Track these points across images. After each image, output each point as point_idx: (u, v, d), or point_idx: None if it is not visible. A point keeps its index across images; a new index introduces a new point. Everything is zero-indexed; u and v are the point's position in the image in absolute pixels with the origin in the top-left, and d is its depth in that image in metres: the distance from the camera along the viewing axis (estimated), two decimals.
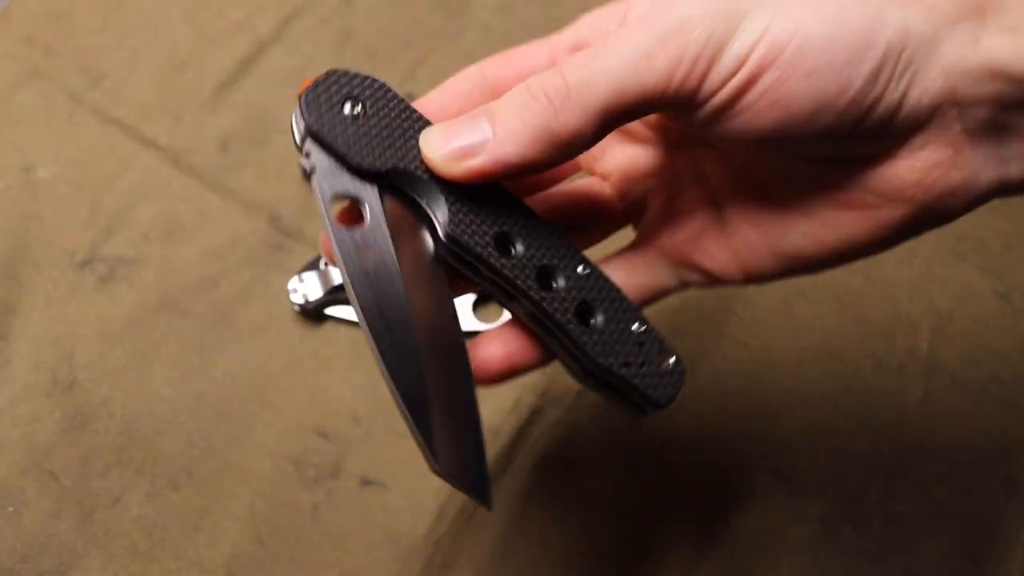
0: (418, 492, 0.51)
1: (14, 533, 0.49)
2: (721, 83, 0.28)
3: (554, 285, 0.33)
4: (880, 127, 0.28)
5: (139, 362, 0.54)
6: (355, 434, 0.52)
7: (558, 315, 0.32)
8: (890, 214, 0.30)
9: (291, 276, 0.55)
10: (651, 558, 0.50)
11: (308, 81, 0.61)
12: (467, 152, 0.29)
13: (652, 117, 0.35)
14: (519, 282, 0.32)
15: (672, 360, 0.34)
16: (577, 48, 0.32)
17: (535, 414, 0.53)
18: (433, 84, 0.63)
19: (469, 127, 0.30)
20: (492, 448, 0.52)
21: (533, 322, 0.34)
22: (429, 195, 0.31)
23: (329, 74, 0.31)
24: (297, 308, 0.55)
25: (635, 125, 0.36)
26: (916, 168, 0.29)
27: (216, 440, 0.52)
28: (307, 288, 0.55)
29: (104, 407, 0.52)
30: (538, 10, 0.66)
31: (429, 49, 0.64)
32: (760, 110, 0.28)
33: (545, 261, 0.32)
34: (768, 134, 0.29)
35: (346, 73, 0.31)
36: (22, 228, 0.57)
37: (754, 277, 0.34)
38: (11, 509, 0.50)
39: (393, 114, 0.31)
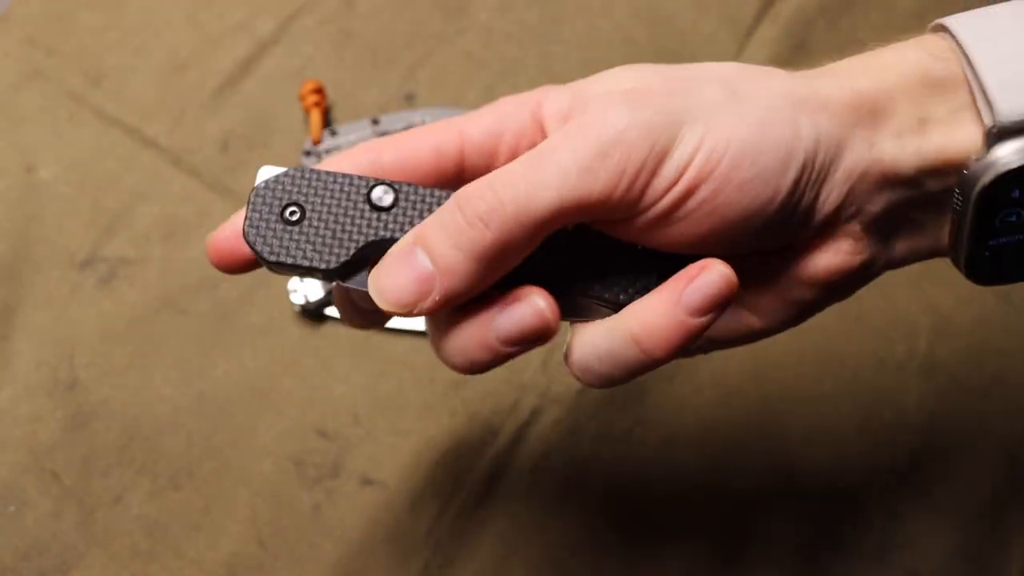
0: (418, 492, 0.51)
1: (15, 532, 0.49)
2: (662, 192, 0.29)
3: None
4: (798, 227, 0.31)
5: (140, 362, 0.54)
6: (355, 434, 0.52)
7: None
8: (801, 295, 0.33)
9: (291, 276, 0.55)
10: (651, 557, 0.50)
11: (308, 82, 0.62)
12: (419, 296, 0.29)
13: None
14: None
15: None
16: (489, 143, 0.32)
17: (535, 414, 0.53)
18: (433, 84, 0.63)
19: (409, 265, 0.29)
20: (492, 448, 0.52)
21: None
22: None
23: (256, 191, 0.31)
24: (298, 308, 0.55)
25: None
26: (824, 257, 0.32)
27: (217, 440, 0.52)
28: (308, 288, 0.55)
29: (105, 407, 0.53)
30: (538, 10, 0.66)
31: (429, 49, 0.64)
32: (697, 219, 0.29)
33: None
34: (702, 239, 0.30)
35: (272, 181, 0.31)
36: (23, 228, 0.57)
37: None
38: (12, 508, 0.50)
39: (332, 194, 0.31)
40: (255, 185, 0.30)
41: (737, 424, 0.53)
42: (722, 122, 0.29)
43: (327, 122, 0.61)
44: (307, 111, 0.61)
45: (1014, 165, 0.30)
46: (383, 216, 0.31)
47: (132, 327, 0.55)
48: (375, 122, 0.60)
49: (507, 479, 0.52)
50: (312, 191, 0.31)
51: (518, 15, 0.66)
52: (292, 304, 0.55)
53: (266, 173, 0.31)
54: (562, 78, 0.64)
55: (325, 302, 0.55)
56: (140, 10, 0.65)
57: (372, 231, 0.31)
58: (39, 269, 0.56)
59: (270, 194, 0.31)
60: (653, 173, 0.29)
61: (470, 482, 0.51)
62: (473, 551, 0.50)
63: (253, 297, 0.56)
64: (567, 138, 0.29)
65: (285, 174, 0.31)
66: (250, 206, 0.30)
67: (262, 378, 0.54)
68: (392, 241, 0.31)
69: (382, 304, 0.30)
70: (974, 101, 0.30)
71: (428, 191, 0.31)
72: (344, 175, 0.31)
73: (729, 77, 0.31)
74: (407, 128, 0.60)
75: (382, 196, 0.31)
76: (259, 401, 0.53)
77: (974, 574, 0.50)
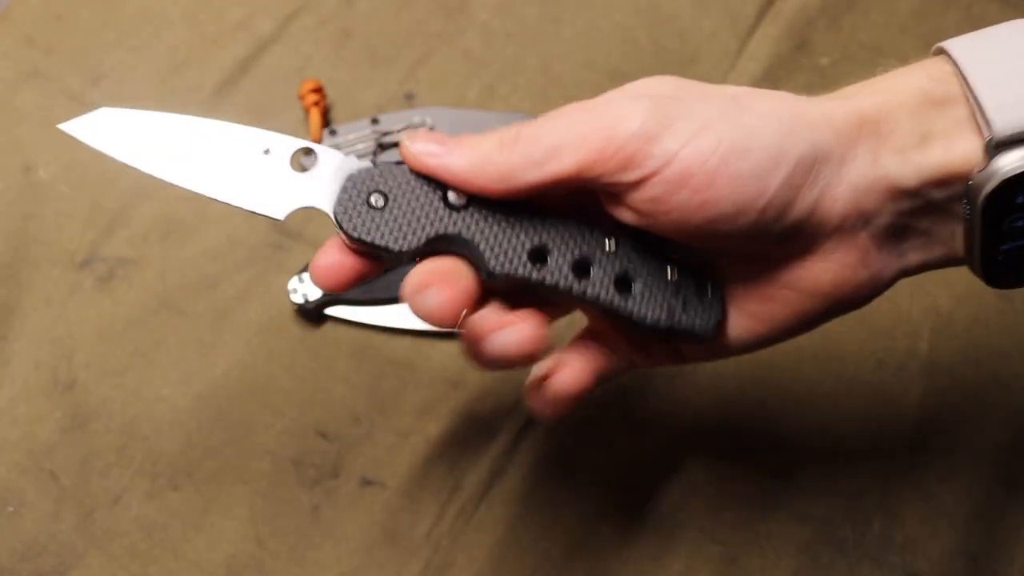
0: (418, 492, 0.51)
1: (14, 533, 0.49)
2: (649, 173, 0.32)
3: (591, 274, 0.36)
4: (793, 229, 0.33)
5: (139, 362, 0.54)
6: (355, 434, 0.52)
7: (601, 297, 0.36)
8: (809, 306, 0.35)
9: (291, 276, 0.55)
10: (651, 558, 0.50)
11: (308, 82, 0.61)
12: (430, 153, 0.34)
13: None
14: (560, 285, 0.35)
15: (709, 290, 0.37)
16: None
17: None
18: (433, 84, 0.63)
19: (438, 140, 0.35)
20: (492, 448, 0.52)
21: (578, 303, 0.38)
22: (465, 247, 0.35)
23: (350, 178, 0.35)
24: (297, 308, 0.55)
25: None
26: (830, 269, 0.34)
27: (216, 440, 0.52)
28: (307, 288, 0.55)
29: (104, 407, 0.52)
30: (538, 10, 0.66)
31: (429, 49, 0.64)
32: (690, 209, 0.32)
33: (576, 256, 0.35)
34: (698, 229, 0.33)
35: (364, 171, 0.35)
36: (22, 228, 0.57)
37: (690, 359, 0.40)
38: (11, 509, 0.50)
39: (413, 190, 0.35)
40: (349, 174, 0.35)
41: (737, 425, 0.53)
42: (718, 125, 0.32)
43: (326, 122, 0.61)
44: (306, 110, 0.61)
45: (1017, 171, 0.31)
46: (454, 214, 0.35)
47: (131, 327, 0.55)
48: (375, 121, 0.60)
49: (507, 479, 0.52)
50: (396, 184, 0.35)
51: (518, 15, 0.66)
52: (291, 304, 0.55)
53: (341, 161, 0.37)
54: (562, 78, 0.65)
55: (325, 302, 0.54)
56: (139, 9, 0.65)
57: (443, 225, 0.35)
58: (38, 269, 0.56)
59: (360, 181, 0.35)
60: (639, 149, 0.32)
61: (470, 482, 0.51)
62: (473, 551, 0.50)
63: (252, 297, 0.56)
64: (579, 107, 0.34)
65: (376, 167, 0.35)
66: (342, 190, 0.35)
67: (261, 378, 0.54)
68: (460, 237, 0.35)
69: (404, 144, 0.35)
70: (973, 116, 0.32)
71: (499, 200, 0.35)
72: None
73: (737, 93, 0.34)
74: (407, 128, 0.60)
75: (456, 197, 0.35)
76: (258, 401, 0.53)
77: (974, 574, 0.50)
